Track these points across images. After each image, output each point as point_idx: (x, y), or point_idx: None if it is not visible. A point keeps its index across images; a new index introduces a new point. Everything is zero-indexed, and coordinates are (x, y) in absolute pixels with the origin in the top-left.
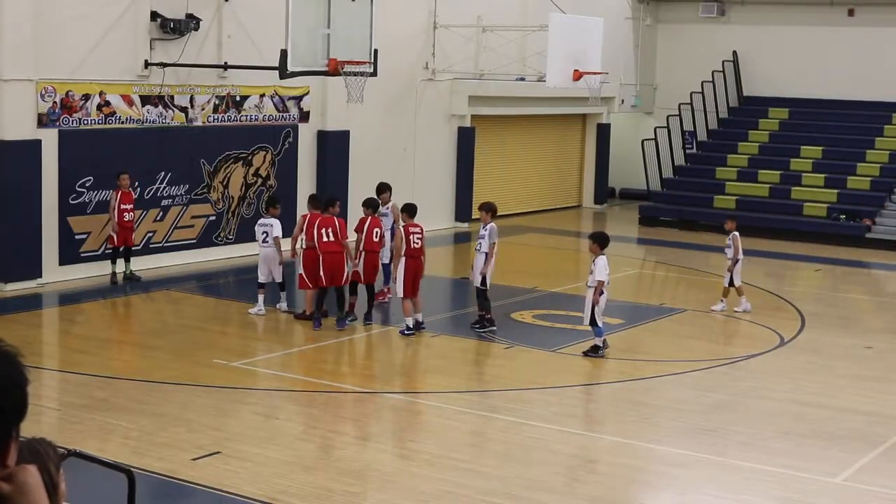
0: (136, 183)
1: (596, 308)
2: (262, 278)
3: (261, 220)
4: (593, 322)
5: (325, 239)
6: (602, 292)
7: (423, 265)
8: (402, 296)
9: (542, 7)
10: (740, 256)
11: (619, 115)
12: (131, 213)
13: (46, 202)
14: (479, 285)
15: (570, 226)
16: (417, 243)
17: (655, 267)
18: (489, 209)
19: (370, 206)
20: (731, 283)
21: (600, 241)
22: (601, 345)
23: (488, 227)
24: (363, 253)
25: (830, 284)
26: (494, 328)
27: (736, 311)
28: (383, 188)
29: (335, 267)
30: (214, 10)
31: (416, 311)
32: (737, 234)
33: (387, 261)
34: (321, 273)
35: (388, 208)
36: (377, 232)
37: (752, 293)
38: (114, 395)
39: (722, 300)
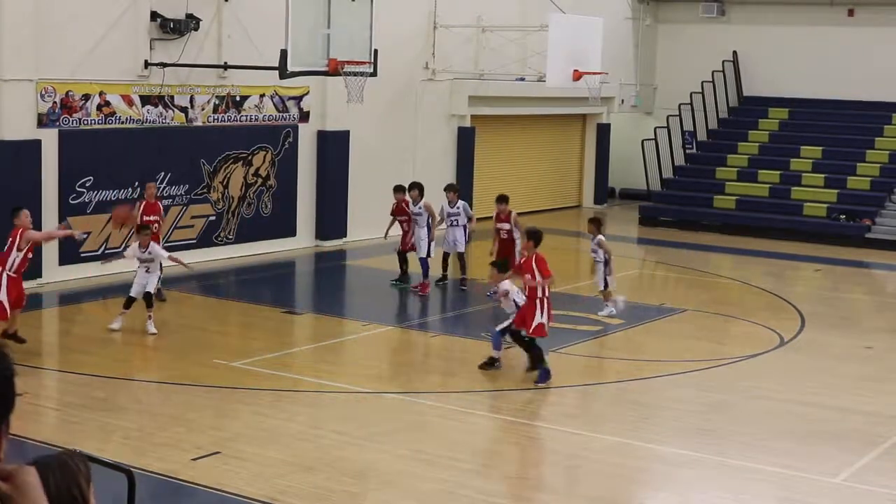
0: (136, 183)
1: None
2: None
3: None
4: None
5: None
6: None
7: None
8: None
9: (542, 7)
10: (609, 258)
11: (619, 115)
12: (157, 225)
13: (46, 202)
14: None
15: (570, 226)
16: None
17: (655, 267)
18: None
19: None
20: (606, 285)
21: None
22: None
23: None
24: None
25: (830, 284)
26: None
27: (600, 314)
28: (412, 186)
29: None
30: (214, 10)
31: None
32: (601, 237)
33: (423, 254)
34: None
35: (420, 207)
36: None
37: (752, 293)
38: (114, 395)
39: (606, 304)
